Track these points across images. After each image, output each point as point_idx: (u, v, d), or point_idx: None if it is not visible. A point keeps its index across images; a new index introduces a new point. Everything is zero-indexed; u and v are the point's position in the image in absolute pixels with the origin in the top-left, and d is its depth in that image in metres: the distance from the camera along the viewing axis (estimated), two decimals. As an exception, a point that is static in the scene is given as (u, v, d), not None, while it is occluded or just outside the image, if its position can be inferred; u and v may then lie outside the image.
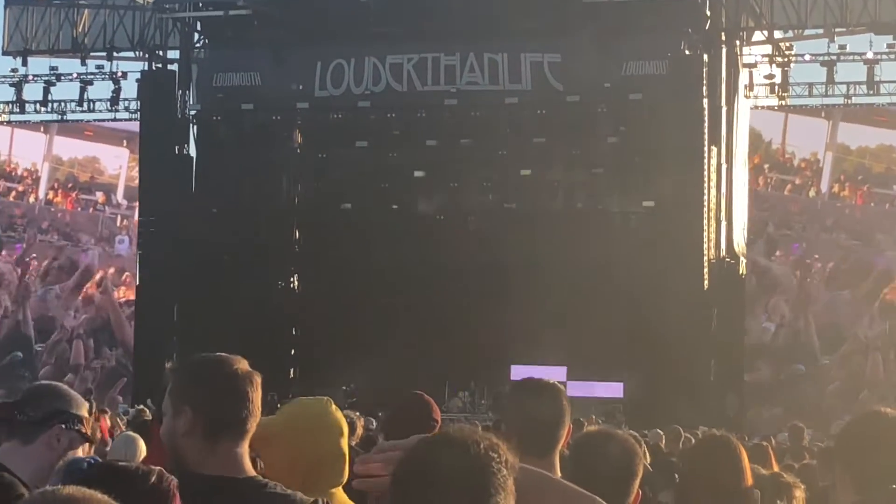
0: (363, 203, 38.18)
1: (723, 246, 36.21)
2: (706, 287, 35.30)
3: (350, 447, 4.73)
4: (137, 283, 39.36)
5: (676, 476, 7.85)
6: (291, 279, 40.15)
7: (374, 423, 16.40)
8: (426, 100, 37.64)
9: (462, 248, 36.56)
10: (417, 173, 37.69)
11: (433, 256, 36.83)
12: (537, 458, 2.85)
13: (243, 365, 3.96)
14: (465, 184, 37.89)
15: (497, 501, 2.64)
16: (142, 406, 17.75)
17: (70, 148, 42.98)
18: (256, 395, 3.94)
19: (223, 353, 4.01)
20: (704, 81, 35.82)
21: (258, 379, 3.96)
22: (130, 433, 10.52)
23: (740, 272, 35.96)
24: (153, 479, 3.00)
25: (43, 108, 41.34)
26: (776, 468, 6.25)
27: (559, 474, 4.46)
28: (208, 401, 3.91)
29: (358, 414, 14.03)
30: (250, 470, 3.94)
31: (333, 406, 4.75)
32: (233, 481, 3.87)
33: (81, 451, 4.35)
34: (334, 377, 34.87)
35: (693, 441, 16.23)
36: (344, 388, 34.36)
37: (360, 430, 11.37)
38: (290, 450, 4.46)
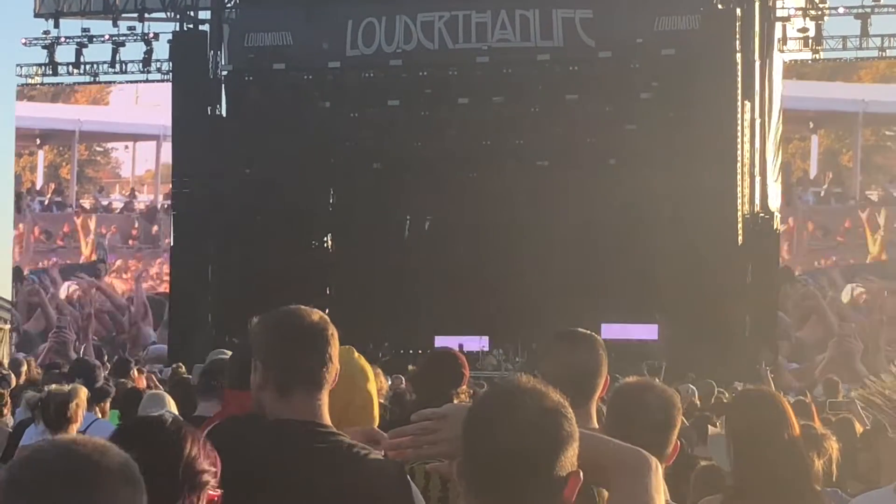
0: (395, 162, 38.19)
1: (757, 201, 36.10)
2: (741, 242, 35.23)
3: (380, 404, 4.74)
4: (171, 243, 39.49)
5: (710, 429, 7.85)
6: (325, 239, 40.23)
7: (403, 382, 16.44)
8: (458, 58, 37.55)
9: (495, 205, 36.54)
10: (450, 132, 37.61)
11: (466, 215, 36.82)
12: (574, 408, 2.86)
13: (313, 317, 4.00)
14: (497, 142, 37.82)
15: (569, 447, 2.82)
16: (177, 364, 17.85)
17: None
18: (328, 346, 3.96)
19: (295, 306, 4.06)
20: (737, 36, 35.62)
21: (329, 329, 3.99)
22: (156, 391, 10.63)
23: (774, 227, 35.83)
24: (167, 425, 3.01)
25: (75, 70, 41.41)
26: (818, 423, 6.22)
27: (596, 425, 4.47)
28: (273, 354, 3.96)
29: (380, 371, 14.09)
30: (326, 418, 3.97)
31: (356, 354, 4.79)
32: (302, 424, 3.90)
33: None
34: (369, 336, 34.96)
35: (726, 396, 16.25)
36: (380, 351, 34.46)
37: (384, 385, 11.37)
38: None
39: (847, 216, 36.96)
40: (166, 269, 39.84)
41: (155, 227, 41.25)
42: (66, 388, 8.27)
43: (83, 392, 8.41)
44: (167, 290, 39.34)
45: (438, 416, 3.24)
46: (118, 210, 41.78)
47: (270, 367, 3.95)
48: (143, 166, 42.04)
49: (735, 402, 6.08)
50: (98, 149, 42.48)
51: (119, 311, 40.29)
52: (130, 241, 41.37)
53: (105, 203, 41.90)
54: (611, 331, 30.19)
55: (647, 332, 35.26)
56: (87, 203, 41.76)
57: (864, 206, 36.67)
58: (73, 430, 8.06)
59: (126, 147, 42.30)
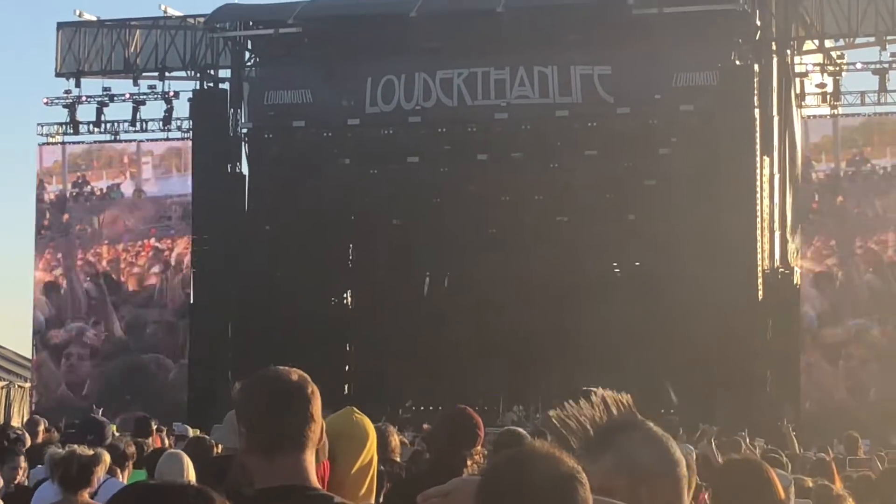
0: (415, 218, 38.26)
1: (777, 256, 36.07)
2: (761, 298, 35.17)
3: (394, 462, 4.73)
4: (192, 301, 39.57)
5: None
6: (345, 295, 40.25)
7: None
8: (477, 114, 37.67)
9: (515, 261, 36.54)
10: (469, 188, 37.68)
11: (486, 271, 36.81)
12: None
13: (293, 377, 3.97)
14: (516, 198, 37.89)
15: None
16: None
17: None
18: (309, 405, 3.95)
19: (274, 368, 4.03)
20: (756, 91, 35.73)
21: (308, 388, 3.97)
22: (175, 450, 10.62)
23: (795, 282, 35.74)
24: (190, 495, 2.93)
25: (96, 129, 41.63)
26: (839, 483, 6.17)
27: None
28: (254, 418, 3.95)
29: (396, 427, 14.02)
30: (313, 480, 3.95)
31: (356, 413, 4.77)
32: (290, 489, 3.88)
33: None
34: (389, 393, 34.97)
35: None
36: (400, 408, 34.43)
37: (395, 442, 11.29)
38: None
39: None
40: (90, 255, 39.99)
41: (66, 216, 41.16)
42: (90, 451, 8.26)
43: (107, 457, 8.41)
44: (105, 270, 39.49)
45: (442, 493, 3.21)
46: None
47: (253, 431, 3.93)
48: (51, 157, 41.97)
49: (720, 472, 6.08)
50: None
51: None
52: (42, 232, 41.41)
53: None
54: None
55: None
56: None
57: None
58: (87, 493, 8.05)
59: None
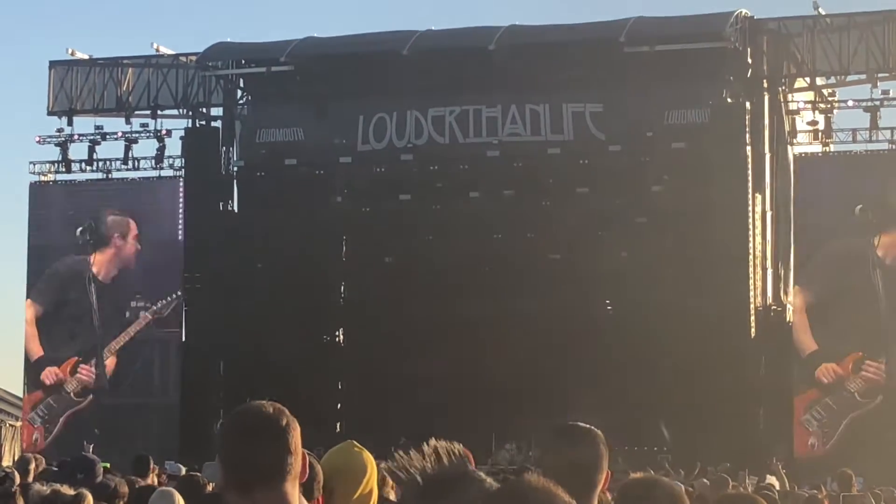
0: (407, 256, 38.24)
1: (769, 294, 36.08)
2: (753, 335, 35.16)
3: (388, 500, 4.70)
4: (183, 339, 39.48)
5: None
6: (337, 333, 40.18)
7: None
8: (468, 152, 37.71)
9: (507, 298, 36.51)
10: (461, 225, 37.66)
11: (478, 308, 36.77)
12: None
13: (267, 409, 3.92)
14: (508, 235, 37.89)
15: None
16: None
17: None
18: (285, 436, 3.88)
19: (249, 403, 3.99)
20: (747, 129, 35.78)
21: (283, 420, 3.90)
22: (166, 488, 10.56)
23: (787, 319, 35.73)
24: None
25: (88, 168, 41.63)
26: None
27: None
28: (229, 453, 3.90)
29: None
30: None
31: (357, 447, 4.74)
32: None
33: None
34: (382, 431, 34.82)
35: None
36: (393, 446, 34.26)
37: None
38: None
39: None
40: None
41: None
42: (73, 491, 8.19)
43: (89, 498, 8.34)
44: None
45: None
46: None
47: (227, 468, 3.87)
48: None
49: None
50: None
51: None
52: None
53: None
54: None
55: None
56: None
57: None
58: None
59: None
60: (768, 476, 20.19)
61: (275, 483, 3.84)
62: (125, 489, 10.54)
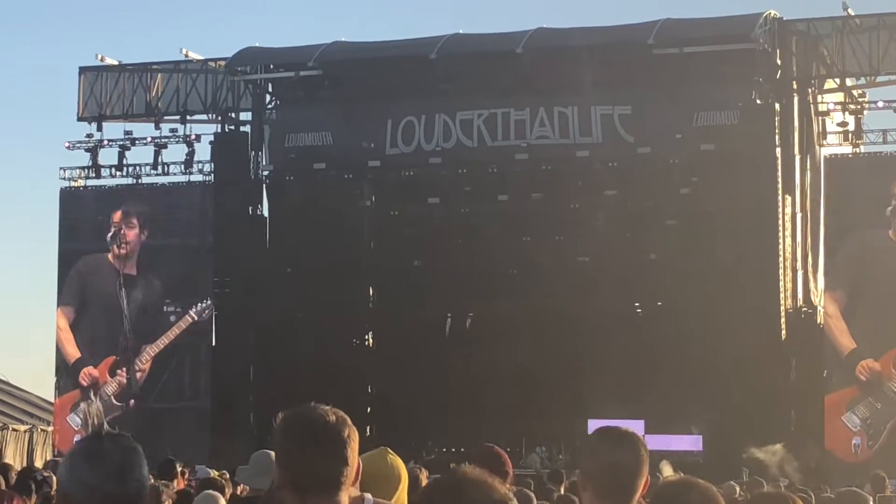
0: (436, 259, 38.24)
1: (800, 295, 35.94)
2: (784, 337, 35.04)
3: None
4: (213, 343, 39.58)
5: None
6: (366, 336, 40.20)
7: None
8: (497, 155, 37.68)
9: (536, 302, 36.47)
10: (490, 228, 37.65)
11: (507, 312, 36.76)
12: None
13: (330, 417, 3.95)
14: (537, 238, 37.84)
15: None
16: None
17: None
18: (345, 447, 3.92)
19: (312, 406, 4.01)
20: (777, 130, 35.70)
21: (346, 430, 3.95)
22: (210, 491, 10.57)
23: (818, 321, 35.57)
24: None
25: (118, 173, 41.78)
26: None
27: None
28: (290, 457, 3.94)
29: (421, 468, 13.93)
30: None
31: (390, 455, 4.73)
32: None
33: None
34: (412, 434, 34.85)
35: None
36: (423, 449, 34.30)
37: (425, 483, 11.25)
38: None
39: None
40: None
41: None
42: None
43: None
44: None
45: None
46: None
47: (285, 469, 3.92)
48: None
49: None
50: None
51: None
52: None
53: None
54: (654, 441, 29.89)
55: (691, 443, 34.80)
56: None
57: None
58: None
59: None
60: (780, 479, 20.08)
61: (331, 492, 3.91)
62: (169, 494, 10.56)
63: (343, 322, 38.91)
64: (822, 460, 33.66)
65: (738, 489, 16.83)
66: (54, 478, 12.95)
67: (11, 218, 74.87)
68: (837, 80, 36.93)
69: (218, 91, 40.63)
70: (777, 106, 35.96)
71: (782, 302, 35.09)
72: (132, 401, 40.22)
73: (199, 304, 39.79)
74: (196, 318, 39.82)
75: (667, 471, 16.20)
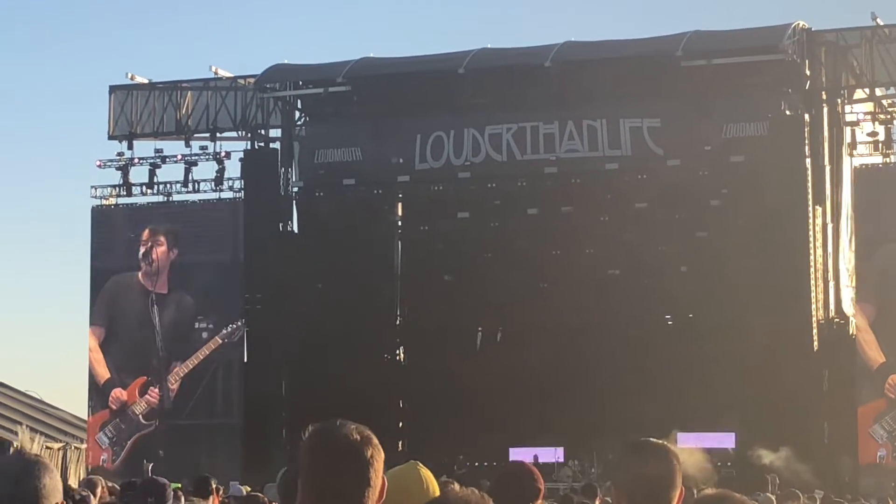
0: (466, 274, 38.23)
1: (831, 306, 35.79)
2: (816, 348, 34.90)
3: None
4: (245, 359, 39.66)
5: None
6: (397, 351, 40.21)
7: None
8: (526, 169, 37.69)
9: (567, 315, 36.43)
10: (519, 242, 37.64)
11: (538, 325, 36.73)
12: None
13: (354, 436, 3.91)
14: (567, 251, 37.80)
15: None
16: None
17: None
18: (369, 468, 3.88)
19: (337, 423, 3.97)
20: (806, 141, 35.60)
21: (369, 451, 3.89)
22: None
23: (850, 332, 35.40)
24: None
25: (149, 191, 41.92)
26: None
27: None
28: (311, 476, 3.90)
29: (453, 482, 13.95)
30: None
31: (421, 469, 4.72)
32: None
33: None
34: (443, 449, 34.81)
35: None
36: (454, 464, 34.27)
37: None
38: None
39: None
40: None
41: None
42: None
43: None
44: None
45: None
46: None
47: (309, 488, 3.89)
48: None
49: None
50: None
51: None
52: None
53: None
54: (686, 440, 29.96)
55: (723, 440, 34.79)
56: None
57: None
58: None
59: None
60: (816, 491, 19.99)
61: None
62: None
63: (374, 337, 38.95)
64: (853, 473, 33.53)
65: (773, 500, 16.77)
66: (92, 498, 13.01)
67: (44, 236, 75.24)
68: (867, 90, 36.81)
69: (247, 108, 40.76)
70: (806, 117, 35.87)
71: (814, 313, 34.97)
72: (158, 420, 40.32)
73: (230, 326, 39.87)
74: (224, 341, 39.93)
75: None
